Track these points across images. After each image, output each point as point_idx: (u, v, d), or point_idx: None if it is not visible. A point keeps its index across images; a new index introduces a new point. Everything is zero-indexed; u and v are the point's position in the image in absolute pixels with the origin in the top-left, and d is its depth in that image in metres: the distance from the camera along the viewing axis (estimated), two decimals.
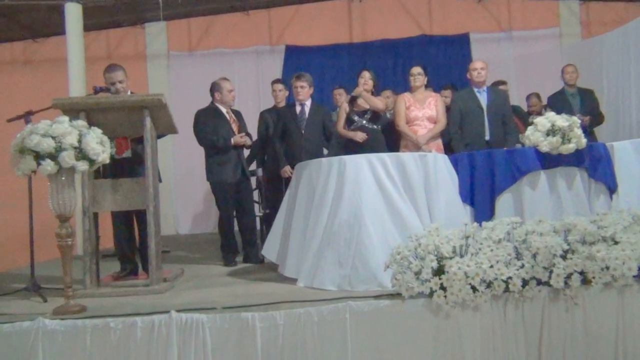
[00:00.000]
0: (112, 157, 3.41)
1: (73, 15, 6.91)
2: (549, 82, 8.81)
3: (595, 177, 3.74)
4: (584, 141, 3.63)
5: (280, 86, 5.88)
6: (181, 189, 9.10)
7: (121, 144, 4.08)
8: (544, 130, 3.61)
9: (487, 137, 5.02)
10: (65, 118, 3.03)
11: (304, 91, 4.99)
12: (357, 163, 3.56)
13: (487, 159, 3.75)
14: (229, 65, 9.20)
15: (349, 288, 3.30)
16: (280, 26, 9.42)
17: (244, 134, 4.97)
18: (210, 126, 4.93)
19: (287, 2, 9.03)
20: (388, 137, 5.19)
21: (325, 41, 9.38)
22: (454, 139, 5.00)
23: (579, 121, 3.67)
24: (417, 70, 5.09)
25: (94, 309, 3.14)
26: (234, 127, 5.00)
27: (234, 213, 5.06)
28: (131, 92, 4.30)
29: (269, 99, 9.08)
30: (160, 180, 4.02)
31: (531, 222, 2.91)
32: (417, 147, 4.84)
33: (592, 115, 5.72)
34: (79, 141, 2.94)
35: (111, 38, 9.05)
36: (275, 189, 5.52)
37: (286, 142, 5.08)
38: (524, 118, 6.13)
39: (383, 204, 3.47)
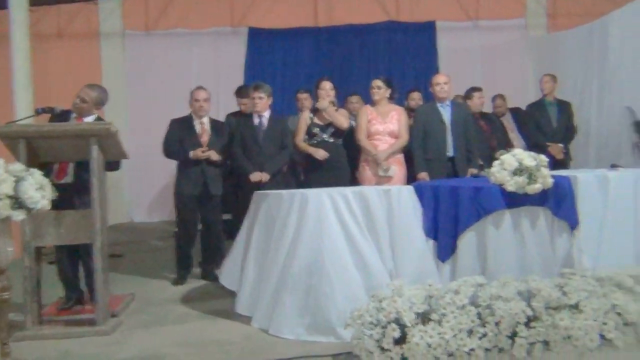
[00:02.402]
0: (52, 183, 3.15)
1: None
2: (514, 72, 8.85)
3: (558, 215, 3.68)
4: (550, 181, 3.55)
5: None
6: (135, 174, 8.70)
7: (62, 168, 3.79)
8: (510, 169, 3.51)
9: (449, 153, 4.93)
10: (0, 162, 2.74)
11: (262, 102, 4.73)
12: (320, 200, 3.40)
13: (452, 194, 3.64)
14: (188, 46, 8.81)
15: (306, 338, 3.20)
16: (243, 7, 8.99)
17: (206, 148, 4.68)
18: (175, 136, 4.75)
19: None
20: (348, 148, 5.03)
21: (290, 24, 9.02)
22: (416, 155, 4.88)
23: (546, 160, 3.58)
24: (376, 83, 4.85)
25: None
26: (204, 139, 4.74)
27: (197, 229, 4.89)
28: (96, 112, 4.01)
29: (229, 83, 8.80)
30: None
31: (496, 285, 2.83)
32: (376, 162, 4.71)
33: (567, 127, 6.05)
34: (15, 189, 2.68)
35: (62, 14, 8.48)
36: (235, 195, 5.35)
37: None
38: (494, 123, 6.04)
39: (345, 245, 3.34)
